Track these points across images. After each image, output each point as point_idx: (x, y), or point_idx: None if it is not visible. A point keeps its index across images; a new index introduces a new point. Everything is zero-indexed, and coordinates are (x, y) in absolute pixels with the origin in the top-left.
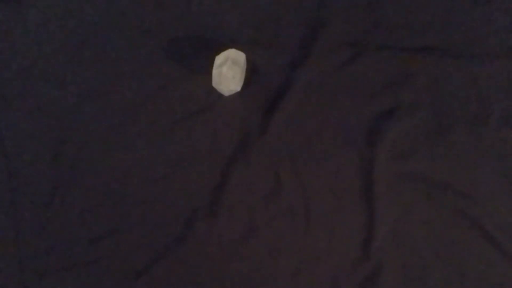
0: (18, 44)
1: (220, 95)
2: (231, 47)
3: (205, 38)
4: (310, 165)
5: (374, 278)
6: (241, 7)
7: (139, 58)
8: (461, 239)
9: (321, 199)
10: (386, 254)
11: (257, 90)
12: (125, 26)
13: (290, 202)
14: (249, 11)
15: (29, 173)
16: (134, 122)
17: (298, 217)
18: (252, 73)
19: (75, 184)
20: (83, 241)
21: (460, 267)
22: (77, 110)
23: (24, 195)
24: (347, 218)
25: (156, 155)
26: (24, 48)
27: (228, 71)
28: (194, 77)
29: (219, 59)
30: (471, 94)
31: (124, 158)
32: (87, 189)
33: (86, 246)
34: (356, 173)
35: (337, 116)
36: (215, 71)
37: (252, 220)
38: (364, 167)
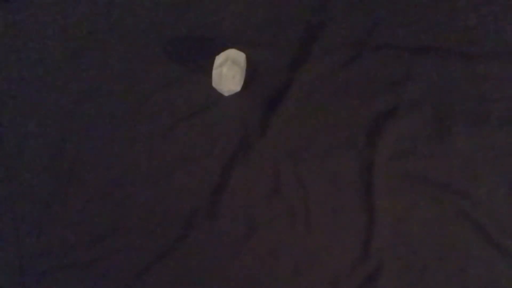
0: (18, 44)
1: (220, 95)
2: (231, 47)
3: (205, 38)
4: (310, 165)
5: (374, 278)
6: (241, 7)
7: (139, 58)
8: (462, 239)
9: (321, 199)
10: (386, 254)
11: (257, 90)
12: (125, 26)
13: (290, 202)
14: (249, 11)
15: (29, 174)
16: (134, 122)
17: (298, 217)
18: (252, 73)
19: (75, 184)
20: (83, 241)
21: (460, 267)
22: (77, 110)
23: (24, 195)
24: (347, 218)
25: (156, 155)
26: (23, 48)
27: (228, 71)
28: (194, 77)
29: (219, 59)
30: (471, 94)
31: (124, 158)
32: (86, 189)
33: (86, 246)
34: (356, 173)
35: (337, 116)
36: (215, 71)
37: (252, 220)
38: (364, 167)
